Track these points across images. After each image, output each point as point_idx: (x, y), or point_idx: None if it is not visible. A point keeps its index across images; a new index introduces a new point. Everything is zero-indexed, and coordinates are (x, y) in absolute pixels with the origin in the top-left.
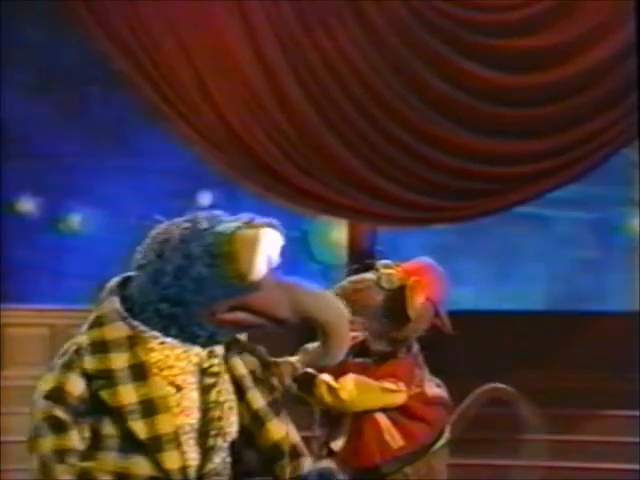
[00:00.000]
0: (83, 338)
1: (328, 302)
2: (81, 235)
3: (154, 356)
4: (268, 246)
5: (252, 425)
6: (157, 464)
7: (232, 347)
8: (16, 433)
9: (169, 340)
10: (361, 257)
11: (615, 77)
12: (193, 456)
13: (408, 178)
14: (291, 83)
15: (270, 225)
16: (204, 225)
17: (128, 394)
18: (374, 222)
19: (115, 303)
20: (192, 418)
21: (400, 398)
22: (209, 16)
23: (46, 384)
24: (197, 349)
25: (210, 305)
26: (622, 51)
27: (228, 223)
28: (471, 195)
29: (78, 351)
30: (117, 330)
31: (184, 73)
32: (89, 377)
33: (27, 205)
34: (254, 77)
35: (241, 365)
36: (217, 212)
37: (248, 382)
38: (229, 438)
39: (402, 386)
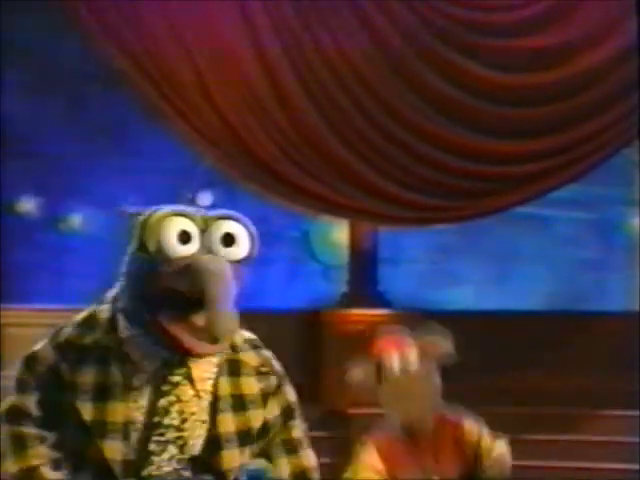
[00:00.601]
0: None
1: (202, 262)
2: (81, 235)
3: (127, 346)
4: (175, 224)
5: (209, 448)
6: (96, 451)
7: (234, 368)
8: None
9: (139, 336)
10: (362, 257)
11: (615, 77)
12: (137, 454)
13: (408, 178)
14: (291, 83)
15: (176, 212)
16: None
17: (87, 374)
18: (374, 222)
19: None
20: (139, 416)
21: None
22: (209, 16)
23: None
24: (164, 353)
25: (140, 283)
26: (622, 51)
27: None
28: (471, 195)
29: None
30: (104, 311)
31: (184, 73)
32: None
33: (27, 205)
34: (254, 77)
35: (227, 386)
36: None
37: (223, 405)
38: (187, 450)
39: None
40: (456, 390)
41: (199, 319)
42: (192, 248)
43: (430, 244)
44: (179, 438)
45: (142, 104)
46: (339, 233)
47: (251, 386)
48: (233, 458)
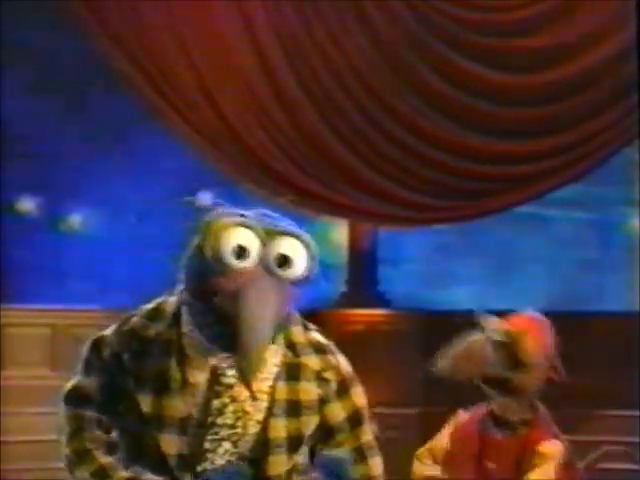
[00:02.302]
0: None
1: (247, 300)
2: (81, 235)
3: (185, 341)
4: (235, 237)
5: (258, 450)
6: (154, 443)
7: (293, 372)
8: (16, 433)
9: (197, 333)
10: (361, 257)
11: (615, 77)
12: (193, 450)
13: (408, 178)
14: (291, 83)
15: (240, 223)
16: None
17: (148, 366)
18: (374, 222)
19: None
20: (195, 414)
21: (562, 456)
22: (209, 16)
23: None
24: (220, 353)
25: (195, 282)
26: (622, 51)
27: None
28: (471, 195)
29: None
30: (171, 303)
31: (184, 73)
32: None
33: (27, 205)
34: (254, 77)
35: (284, 390)
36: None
37: (277, 409)
38: (242, 445)
39: (559, 444)
40: (454, 390)
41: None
42: (249, 262)
43: (430, 244)
44: (233, 434)
45: (142, 104)
46: (339, 233)
47: (309, 392)
48: (280, 463)
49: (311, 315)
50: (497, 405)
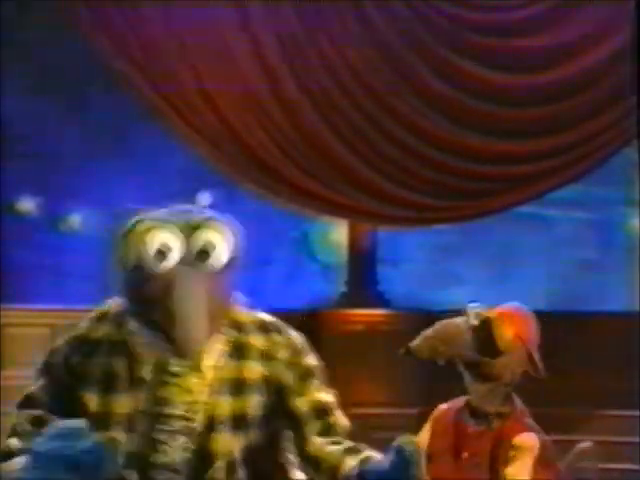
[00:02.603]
0: None
1: (175, 300)
2: (81, 235)
3: (131, 338)
4: (152, 242)
5: (205, 430)
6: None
7: (238, 351)
8: None
9: (144, 329)
10: (361, 257)
11: (615, 77)
12: (143, 445)
13: (408, 178)
14: (291, 83)
15: (158, 225)
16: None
17: (95, 367)
18: (374, 222)
19: None
20: (143, 408)
21: (537, 450)
22: (209, 17)
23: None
24: (163, 344)
25: (127, 293)
26: (622, 51)
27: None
28: (471, 195)
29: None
30: (117, 305)
31: (184, 73)
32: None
33: (27, 205)
34: (254, 77)
35: (229, 369)
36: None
37: (221, 388)
38: (194, 435)
39: (534, 437)
40: (456, 390)
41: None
42: (170, 262)
43: (430, 244)
44: (186, 427)
45: (142, 104)
46: (338, 233)
47: (254, 371)
48: (225, 442)
49: (311, 315)
50: (474, 394)
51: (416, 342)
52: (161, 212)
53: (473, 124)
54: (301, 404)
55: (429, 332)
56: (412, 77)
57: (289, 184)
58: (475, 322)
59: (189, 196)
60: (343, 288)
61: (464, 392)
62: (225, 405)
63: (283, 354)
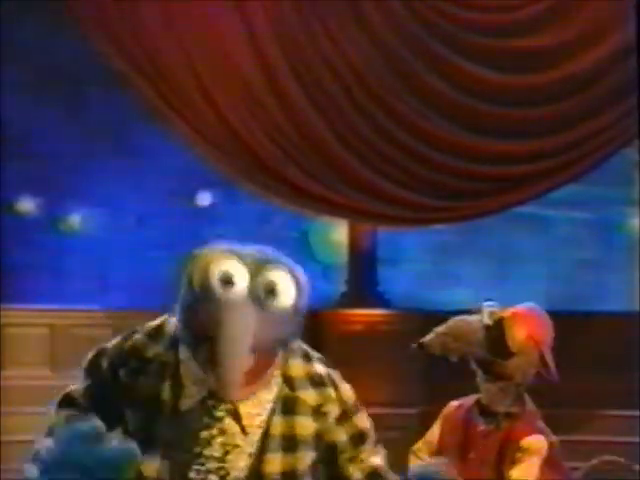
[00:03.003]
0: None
1: (227, 323)
2: (81, 235)
3: (182, 367)
4: (221, 266)
5: None
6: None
7: (289, 406)
8: (16, 433)
9: (193, 361)
10: (361, 257)
11: (615, 77)
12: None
13: (408, 178)
14: (291, 83)
15: (227, 253)
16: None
17: (142, 386)
18: (374, 222)
19: None
20: (181, 441)
21: (545, 452)
22: (209, 16)
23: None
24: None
25: (185, 315)
26: (622, 51)
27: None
28: (471, 195)
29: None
30: (172, 325)
31: (184, 73)
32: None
33: (27, 205)
34: (254, 77)
35: (280, 425)
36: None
37: (273, 444)
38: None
39: (543, 440)
40: (455, 390)
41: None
42: (237, 292)
43: (430, 244)
44: (221, 469)
45: (142, 105)
46: (338, 233)
47: (306, 426)
48: None
49: (311, 315)
50: (484, 394)
51: (428, 338)
52: (235, 246)
53: (473, 124)
54: (354, 471)
55: (442, 328)
56: (412, 77)
57: (289, 184)
58: (489, 321)
59: (189, 196)
60: (343, 288)
61: (464, 392)
62: (275, 462)
63: (335, 410)
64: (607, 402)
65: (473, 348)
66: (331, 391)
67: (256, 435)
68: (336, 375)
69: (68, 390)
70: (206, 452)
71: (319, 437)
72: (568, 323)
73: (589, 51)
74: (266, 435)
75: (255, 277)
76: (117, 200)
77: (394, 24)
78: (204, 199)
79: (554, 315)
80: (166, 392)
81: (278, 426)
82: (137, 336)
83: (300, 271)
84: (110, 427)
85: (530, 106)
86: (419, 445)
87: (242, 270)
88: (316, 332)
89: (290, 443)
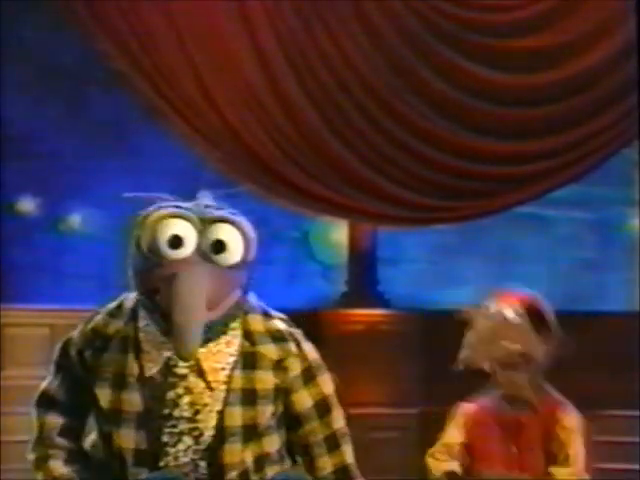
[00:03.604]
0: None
1: (179, 283)
2: (81, 235)
3: (141, 336)
4: (169, 228)
5: (216, 440)
6: (115, 438)
7: (250, 361)
8: (16, 433)
9: (152, 326)
10: (361, 257)
11: (615, 77)
12: (151, 444)
13: (408, 178)
14: (291, 83)
15: (174, 214)
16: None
17: (107, 363)
18: (374, 222)
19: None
20: (151, 407)
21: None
22: (209, 16)
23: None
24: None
25: (137, 277)
26: (622, 51)
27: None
28: (471, 195)
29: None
30: (130, 300)
31: (184, 73)
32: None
33: (27, 205)
34: (254, 77)
35: (240, 380)
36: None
37: (232, 398)
38: (204, 441)
39: (578, 417)
40: (455, 390)
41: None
42: (186, 251)
43: (430, 244)
44: (194, 429)
45: (142, 104)
46: (338, 233)
47: (266, 381)
48: (235, 453)
49: (311, 315)
50: (508, 386)
51: (465, 355)
52: (180, 204)
53: (473, 124)
54: (324, 465)
55: (470, 341)
56: (412, 77)
57: (289, 184)
58: (511, 315)
59: (189, 196)
60: (343, 288)
61: (464, 392)
62: (236, 416)
63: (297, 366)
64: (607, 402)
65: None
66: (292, 346)
67: (221, 392)
68: (299, 334)
69: (44, 388)
70: (176, 413)
71: (280, 391)
72: (568, 323)
73: (589, 51)
74: (227, 390)
75: (203, 234)
76: (117, 200)
77: (395, 24)
78: (204, 199)
79: (554, 315)
80: (131, 363)
81: (239, 380)
82: (97, 317)
83: (246, 224)
84: (86, 412)
85: (530, 106)
86: (437, 448)
87: (190, 229)
88: (316, 332)
89: (250, 397)
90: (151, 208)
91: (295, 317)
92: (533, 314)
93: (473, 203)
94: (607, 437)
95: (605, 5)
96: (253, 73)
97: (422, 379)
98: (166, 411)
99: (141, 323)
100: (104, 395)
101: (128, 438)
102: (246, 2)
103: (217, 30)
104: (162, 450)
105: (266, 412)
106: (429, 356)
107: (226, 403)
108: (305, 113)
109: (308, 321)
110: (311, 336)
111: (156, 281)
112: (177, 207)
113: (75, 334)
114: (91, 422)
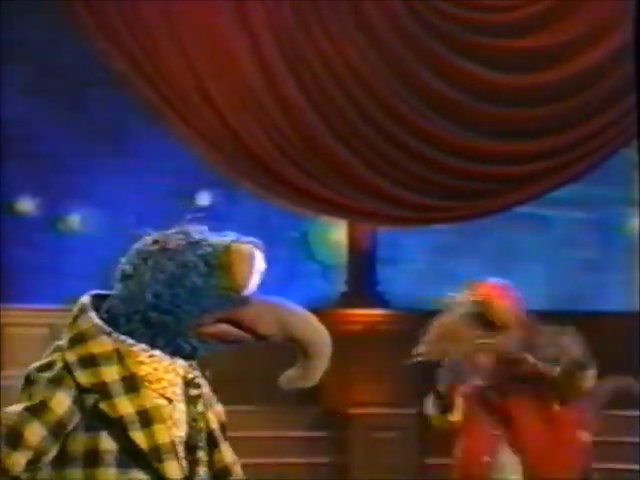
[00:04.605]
0: (69, 355)
1: (313, 323)
2: (81, 235)
3: (143, 369)
4: (259, 262)
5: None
6: (159, 475)
7: None
8: None
9: (157, 353)
10: (361, 257)
11: (614, 77)
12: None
13: (408, 178)
14: (290, 83)
15: (257, 245)
16: (197, 236)
17: (125, 405)
18: (374, 222)
19: (94, 318)
20: (181, 430)
21: None
22: (208, 16)
23: (30, 398)
24: (181, 361)
25: (200, 316)
26: (621, 51)
27: (220, 237)
28: (471, 195)
29: (67, 367)
30: (103, 344)
31: (183, 73)
32: (82, 392)
33: (27, 205)
34: (253, 77)
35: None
36: (203, 227)
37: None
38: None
39: None
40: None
41: None
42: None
43: (430, 244)
44: (205, 456)
45: (142, 105)
46: (338, 233)
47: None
48: (229, 450)
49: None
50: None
51: (424, 348)
52: (251, 239)
53: (473, 124)
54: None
55: (433, 336)
56: (412, 77)
57: (289, 184)
58: (470, 310)
59: (189, 196)
60: (343, 288)
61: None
62: (213, 418)
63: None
64: (607, 402)
65: (471, 341)
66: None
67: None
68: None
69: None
70: (203, 425)
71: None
72: (568, 323)
73: (589, 51)
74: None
75: None
76: (117, 200)
77: (394, 24)
78: (204, 199)
79: (554, 315)
80: (148, 398)
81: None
82: (78, 373)
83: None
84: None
85: (530, 106)
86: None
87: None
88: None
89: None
90: (224, 239)
91: None
92: (494, 305)
93: (473, 203)
94: (607, 437)
95: (604, 5)
96: (252, 74)
97: (422, 379)
98: (198, 425)
99: (140, 357)
100: (139, 437)
101: (174, 469)
102: (246, 3)
103: (217, 31)
104: (197, 466)
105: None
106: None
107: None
108: (304, 113)
109: None
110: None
111: (234, 319)
112: (246, 240)
113: (45, 402)
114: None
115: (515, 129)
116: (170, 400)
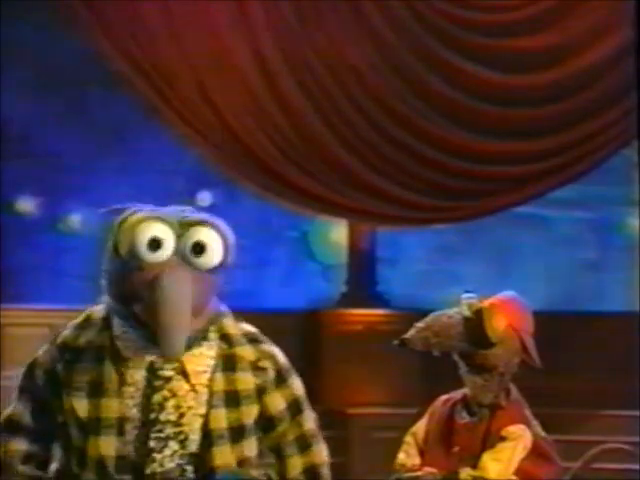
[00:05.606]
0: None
1: (163, 287)
2: (81, 235)
3: (119, 344)
4: (148, 231)
5: (203, 444)
6: (93, 447)
7: (229, 363)
8: None
9: (130, 332)
10: (361, 257)
11: (614, 77)
12: (137, 451)
13: (408, 178)
14: (290, 83)
15: (152, 217)
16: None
17: (81, 373)
18: (374, 222)
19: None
20: (135, 413)
21: (528, 442)
22: (208, 16)
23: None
24: (154, 348)
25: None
26: (621, 51)
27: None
28: (471, 195)
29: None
30: (99, 311)
31: (183, 73)
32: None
33: (27, 205)
34: (253, 77)
35: (221, 382)
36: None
37: (216, 401)
38: (189, 445)
39: (523, 428)
40: (455, 390)
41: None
42: (165, 254)
43: (430, 244)
44: (179, 433)
45: (142, 104)
46: (338, 233)
47: (246, 381)
48: (224, 455)
49: (311, 315)
50: (469, 387)
51: (410, 334)
52: (157, 208)
53: (473, 124)
54: (295, 462)
55: (422, 324)
56: (412, 77)
57: (289, 184)
58: (468, 313)
59: (189, 196)
60: (343, 288)
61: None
62: (221, 418)
63: (271, 367)
64: (607, 402)
65: (453, 342)
66: (266, 347)
67: (204, 394)
68: (264, 336)
69: (7, 413)
70: (162, 417)
71: (260, 391)
72: (568, 323)
73: (589, 51)
74: (210, 392)
75: (181, 237)
76: (117, 200)
77: (394, 24)
78: (204, 199)
79: (554, 315)
80: (108, 370)
81: (220, 383)
82: (65, 332)
83: (225, 227)
84: (52, 439)
85: (530, 106)
86: (407, 438)
87: (168, 232)
88: (316, 332)
89: (233, 398)
90: (126, 213)
91: (294, 317)
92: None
93: (473, 203)
94: (607, 437)
95: (604, 5)
96: (252, 74)
97: (422, 379)
98: (152, 415)
99: (117, 331)
100: (81, 405)
101: (109, 445)
102: (246, 3)
103: (217, 31)
104: (149, 456)
105: (251, 413)
106: (429, 356)
107: (210, 405)
108: (305, 113)
109: (308, 321)
110: (311, 336)
111: (136, 285)
112: (154, 211)
113: (40, 354)
114: (56, 451)
115: (515, 129)
116: (127, 381)
